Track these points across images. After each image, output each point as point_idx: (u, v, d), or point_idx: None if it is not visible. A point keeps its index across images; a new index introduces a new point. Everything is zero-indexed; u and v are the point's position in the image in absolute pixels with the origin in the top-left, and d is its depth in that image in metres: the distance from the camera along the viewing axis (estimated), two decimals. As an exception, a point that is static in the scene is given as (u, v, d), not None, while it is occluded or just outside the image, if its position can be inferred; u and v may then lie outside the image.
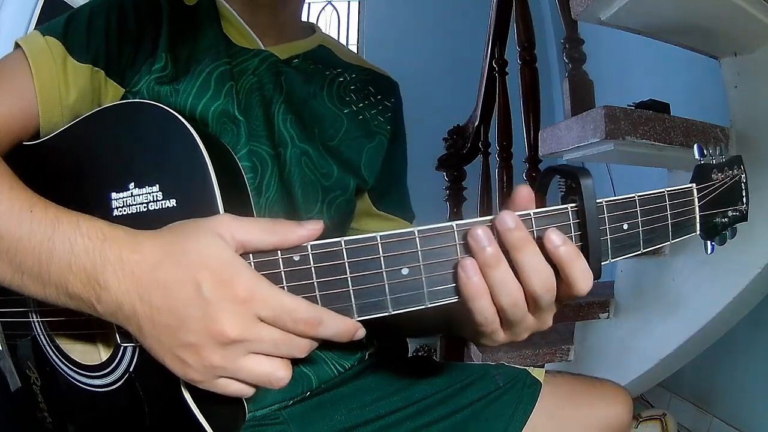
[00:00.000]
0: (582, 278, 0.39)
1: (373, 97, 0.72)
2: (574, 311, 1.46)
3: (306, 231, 0.39)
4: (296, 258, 0.39)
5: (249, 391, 0.39)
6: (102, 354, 0.48)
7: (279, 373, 0.38)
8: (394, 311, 0.39)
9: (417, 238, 0.39)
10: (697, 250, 1.28)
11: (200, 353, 0.37)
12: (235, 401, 0.48)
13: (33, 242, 0.39)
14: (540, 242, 0.39)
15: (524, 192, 0.41)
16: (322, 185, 0.64)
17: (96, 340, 0.49)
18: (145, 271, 0.37)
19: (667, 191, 0.44)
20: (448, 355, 1.75)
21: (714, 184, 0.47)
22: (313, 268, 0.39)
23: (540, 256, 0.38)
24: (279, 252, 0.39)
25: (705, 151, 0.47)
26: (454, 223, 0.39)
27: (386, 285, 0.39)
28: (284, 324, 0.37)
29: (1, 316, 0.53)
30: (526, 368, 0.66)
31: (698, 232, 0.46)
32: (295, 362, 0.61)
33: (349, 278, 0.39)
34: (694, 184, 0.46)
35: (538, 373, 0.65)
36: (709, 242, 0.48)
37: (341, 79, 0.70)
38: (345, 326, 0.39)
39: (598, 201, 0.40)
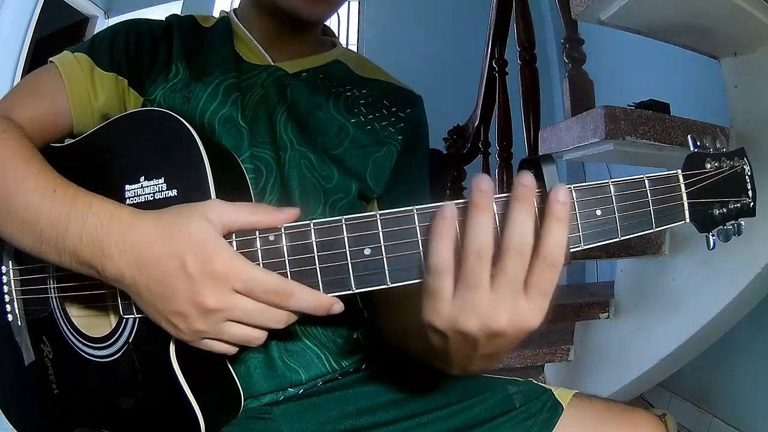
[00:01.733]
0: (557, 241, 0.38)
1: (386, 109, 0.73)
2: (574, 311, 1.46)
3: (283, 215, 0.44)
4: (271, 238, 0.43)
5: (232, 349, 0.46)
6: (107, 328, 0.53)
7: (255, 333, 0.44)
8: (357, 289, 0.42)
9: (378, 221, 0.42)
10: (697, 250, 1.28)
11: (187, 320, 0.43)
12: (232, 389, 0.53)
13: (53, 217, 0.46)
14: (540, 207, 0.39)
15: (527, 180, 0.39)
16: (324, 188, 0.65)
17: (104, 314, 0.54)
18: (143, 247, 0.43)
19: (647, 177, 0.42)
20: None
21: (707, 173, 0.45)
22: (285, 247, 0.43)
23: (531, 223, 0.38)
24: (257, 232, 0.44)
25: (699, 142, 0.46)
26: (414, 208, 0.41)
27: (349, 264, 0.42)
28: (256, 295, 0.42)
29: (24, 294, 0.60)
30: (551, 388, 0.60)
31: (687, 221, 0.44)
32: (282, 355, 0.61)
33: (316, 257, 0.43)
34: (679, 170, 0.44)
35: (563, 395, 0.59)
36: (710, 236, 0.46)
37: (349, 93, 0.72)
38: (317, 301, 0.43)
39: (565, 186, 0.39)
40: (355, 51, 4.08)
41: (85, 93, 0.61)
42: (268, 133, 0.64)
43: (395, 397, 0.62)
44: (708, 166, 0.45)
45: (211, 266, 0.41)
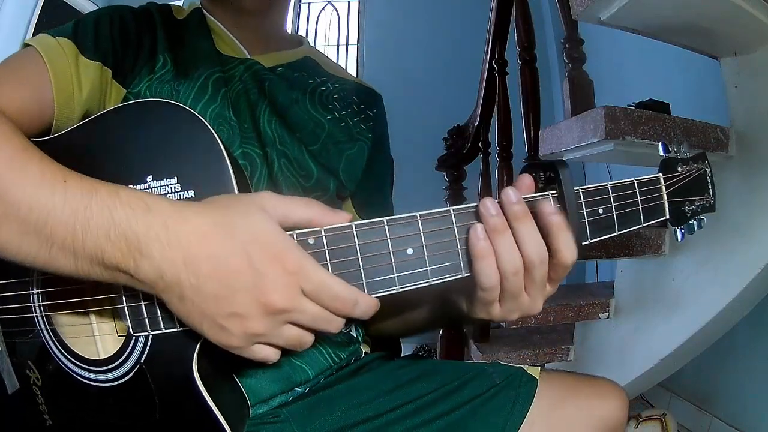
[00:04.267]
0: (567, 247, 0.44)
1: (356, 105, 0.74)
2: (574, 311, 1.46)
3: (337, 216, 0.43)
4: (311, 241, 0.42)
5: (276, 355, 0.42)
6: (108, 348, 0.48)
7: (307, 337, 0.42)
8: (401, 288, 0.43)
9: (419, 221, 0.43)
10: (697, 250, 1.28)
11: (245, 322, 0.39)
12: (241, 397, 0.51)
13: (67, 212, 0.38)
14: (534, 215, 0.44)
15: (526, 180, 0.46)
16: (303, 186, 0.66)
17: (103, 334, 0.49)
18: (194, 242, 0.38)
19: (637, 180, 0.50)
20: (447, 356, 1.75)
21: (680, 176, 0.53)
22: (327, 251, 0.42)
23: (535, 229, 0.44)
24: (295, 235, 0.41)
25: (669, 148, 0.54)
26: (451, 208, 0.44)
27: (393, 264, 0.43)
28: (322, 299, 0.40)
29: (2, 313, 0.52)
30: (522, 366, 0.66)
31: (668, 217, 0.52)
32: (286, 354, 0.62)
33: (359, 259, 0.42)
34: (661, 174, 0.52)
35: (533, 371, 0.65)
36: (678, 230, 0.53)
37: (323, 88, 0.73)
38: (372, 305, 0.42)
39: (574, 188, 0.46)
40: (355, 51, 4.09)
41: (69, 83, 0.55)
42: (253, 128, 0.64)
43: (391, 385, 0.64)
44: (680, 169, 0.53)
45: (283, 263, 0.38)
